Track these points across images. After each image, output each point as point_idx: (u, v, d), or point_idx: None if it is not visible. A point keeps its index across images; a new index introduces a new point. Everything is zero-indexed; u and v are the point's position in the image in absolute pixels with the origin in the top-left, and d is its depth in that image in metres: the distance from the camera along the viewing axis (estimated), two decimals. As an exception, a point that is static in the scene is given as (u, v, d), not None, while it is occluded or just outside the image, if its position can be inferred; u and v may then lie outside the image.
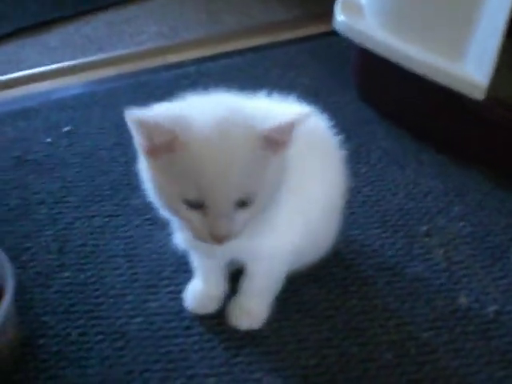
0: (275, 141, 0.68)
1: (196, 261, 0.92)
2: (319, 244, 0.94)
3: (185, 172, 0.65)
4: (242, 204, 0.68)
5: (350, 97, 1.43)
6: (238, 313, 0.92)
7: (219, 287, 0.94)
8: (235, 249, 0.80)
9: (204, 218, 0.68)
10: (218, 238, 0.68)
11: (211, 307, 0.94)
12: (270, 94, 0.82)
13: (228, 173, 0.65)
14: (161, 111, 0.68)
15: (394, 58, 1.23)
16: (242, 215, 0.69)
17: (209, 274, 0.93)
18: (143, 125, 0.65)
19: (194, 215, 0.68)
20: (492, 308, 0.99)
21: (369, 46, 1.26)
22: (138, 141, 0.68)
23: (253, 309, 0.92)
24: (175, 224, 0.82)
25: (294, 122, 0.67)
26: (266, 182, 0.69)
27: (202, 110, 0.68)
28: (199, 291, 0.94)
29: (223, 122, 0.66)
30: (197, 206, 0.67)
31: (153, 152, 0.67)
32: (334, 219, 0.95)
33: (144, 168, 0.71)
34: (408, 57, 1.20)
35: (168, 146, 0.65)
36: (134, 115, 0.65)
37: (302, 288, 1.00)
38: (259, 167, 0.68)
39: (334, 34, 1.61)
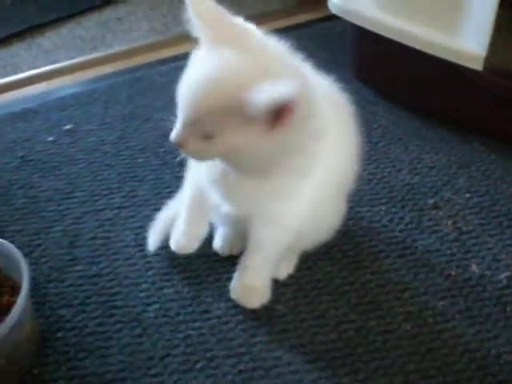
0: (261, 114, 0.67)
1: (189, 202, 0.93)
2: (328, 219, 0.93)
3: None
4: (205, 137, 0.72)
5: (348, 78, 1.43)
6: (242, 291, 0.93)
7: (201, 227, 0.95)
8: (252, 202, 0.83)
9: None
10: (174, 143, 0.74)
11: (192, 246, 0.95)
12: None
13: (197, 96, 0.70)
14: None
15: (389, 35, 1.23)
16: (199, 143, 0.72)
17: (193, 214, 0.94)
18: None
19: None
20: (504, 274, 0.99)
21: (364, 25, 1.27)
22: None
23: (256, 286, 0.93)
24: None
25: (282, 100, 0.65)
26: (233, 142, 0.71)
27: None
28: (181, 232, 0.95)
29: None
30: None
31: None
32: (343, 197, 0.95)
33: None
34: (404, 33, 1.21)
35: None
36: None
37: (314, 266, 1.00)
38: (231, 121, 0.69)
39: (328, 19, 1.63)
